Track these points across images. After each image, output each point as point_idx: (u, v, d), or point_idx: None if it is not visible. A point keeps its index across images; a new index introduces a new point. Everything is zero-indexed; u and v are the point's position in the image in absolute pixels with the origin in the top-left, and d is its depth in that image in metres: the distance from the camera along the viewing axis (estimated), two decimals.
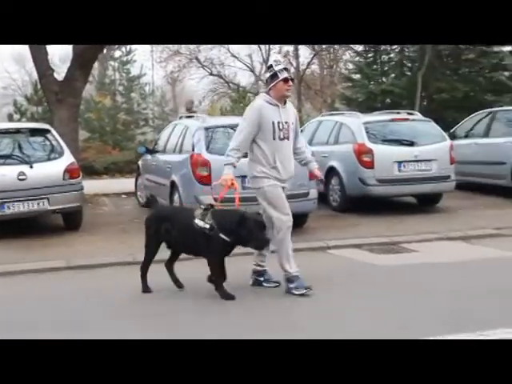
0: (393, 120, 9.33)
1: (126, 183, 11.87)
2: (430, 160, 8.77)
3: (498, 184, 10.12)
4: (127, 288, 5.35)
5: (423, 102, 16.36)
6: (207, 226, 4.81)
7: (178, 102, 38.12)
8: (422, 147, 8.85)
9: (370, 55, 20.26)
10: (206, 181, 7.10)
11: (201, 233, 4.83)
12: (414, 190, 8.91)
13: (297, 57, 24.61)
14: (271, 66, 5.07)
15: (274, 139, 4.98)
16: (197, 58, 25.15)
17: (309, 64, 25.44)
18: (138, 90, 22.54)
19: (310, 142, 9.43)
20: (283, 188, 5.12)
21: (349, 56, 23.08)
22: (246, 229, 4.79)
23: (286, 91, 4.99)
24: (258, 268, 5.29)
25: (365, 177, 8.68)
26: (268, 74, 5.04)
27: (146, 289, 5.23)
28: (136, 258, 6.29)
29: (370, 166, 8.66)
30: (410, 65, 19.69)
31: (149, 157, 9.71)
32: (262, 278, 5.30)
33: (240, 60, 26.55)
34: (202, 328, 4.30)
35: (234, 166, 4.96)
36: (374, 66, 20.28)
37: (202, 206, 5.07)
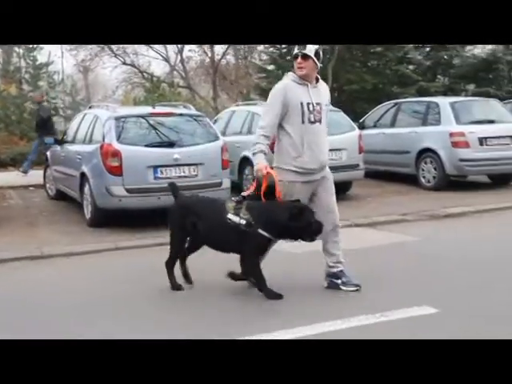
0: None
1: (35, 175, 11.42)
2: (339, 149, 9.01)
3: (403, 172, 10.60)
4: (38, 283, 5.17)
5: (334, 93, 16.78)
6: (243, 222, 4.33)
7: (91, 92, 37.08)
8: (333, 137, 9.06)
9: (283, 46, 20.51)
10: (116, 171, 6.96)
11: (235, 229, 4.36)
12: None
13: (212, 46, 24.51)
14: None
15: (302, 122, 4.43)
16: (109, 47, 24.50)
17: (224, 54, 25.44)
18: (47, 78, 21.65)
19: (224, 133, 9.46)
20: (313, 181, 4.56)
21: (263, 47, 23.26)
22: (297, 220, 4.27)
23: (298, 69, 4.46)
24: (333, 270, 4.72)
25: None
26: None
27: (176, 286, 4.77)
28: (44, 252, 6.10)
29: None
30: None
31: (58, 148, 9.39)
32: (339, 281, 4.70)
33: (154, 49, 26.14)
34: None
35: (265, 154, 4.42)
36: (288, 57, 20.54)
37: (234, 199, 4.56)
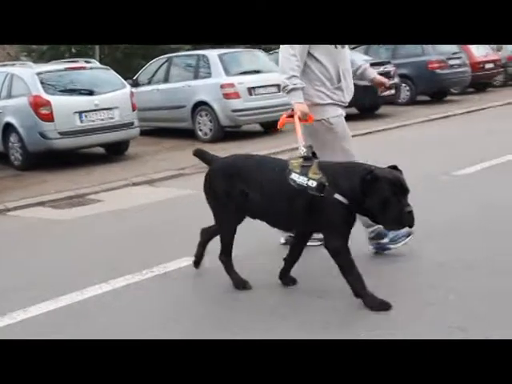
0: (68, 69, 8.96)
1: None
2: (111, 108, 8.70)
3: (180, 127, 10.64)
4: None
5: (105, 50, 16.16)
6: (313, 184, 3.16)
7: None
8: (101, 96, 8.71)
9: None
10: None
11: (301, 194, 3.19)
12: (98, 140, 8.77)
13: None
14: None
15: (336, 47, 3.76)
16: None
17: None
18: None
19: None
20: None
21: None
22: (368, 190, 3.07)
23: None
24: (372, 229, 3.87)
25: (45, 130, 8.25)
26: None
27: (241, 283, 3.63)
28: None
29: (49, 118, 8.24)
30: None
31: None
32: (385, 240, 3.93)
33: None
34: None
35: (302, 90, 3.67)
36: None
37: (301, 153, 3.43)
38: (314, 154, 3.38)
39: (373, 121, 11.35)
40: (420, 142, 8.68)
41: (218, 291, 3.66)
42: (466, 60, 14.13)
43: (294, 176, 3.20)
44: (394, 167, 3.20)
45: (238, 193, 3.38)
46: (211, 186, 3.53)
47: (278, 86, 10.31)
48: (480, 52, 15.27)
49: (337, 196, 3.11)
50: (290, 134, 10.56)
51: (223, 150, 9.01)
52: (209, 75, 10.24)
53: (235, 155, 3.70)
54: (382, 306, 3.12)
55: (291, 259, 3.57)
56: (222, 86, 9.90)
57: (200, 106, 10.16)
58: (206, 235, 3.87)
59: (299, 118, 3.64)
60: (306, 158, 3.30)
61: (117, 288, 3.82)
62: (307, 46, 3.65)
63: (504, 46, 16.73)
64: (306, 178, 3.17)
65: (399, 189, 3.06)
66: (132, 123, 8.98)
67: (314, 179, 3.15)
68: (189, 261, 4.13)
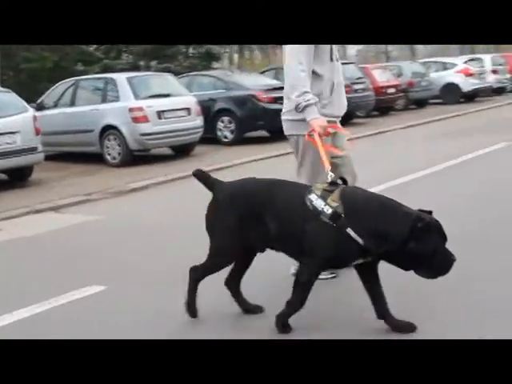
0: None
1: None
2: (13, 132, 8.35)
3: (89, 151, 10.38)
4: None
5: (9, 72, 15.57)
6: (328, 211, 2.91)
7: None
8: (2, 120, 8.34)
9: None
10: None
11: (314, 218, 2.94)
12: None
13: None
14: None
15: (331, 60, 3.65)
16: None
17: None
18: None
19: None
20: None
21: None
22: (420, 240, 2.81)
23: None
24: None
25: None
26: None
27: (190, 310, 3.31)
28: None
29: None
30: None
31: None
32: None
33: None
34: None
35: (316, 105, 3.47)
36: None
37: (329, 178, 3.18)
38: (343, 180, 3.21)
39: (285, 142, 11.52)
40: None
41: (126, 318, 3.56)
42: (370, 85, 14.79)
43: (313, 197, 2.97)
44: (430, 212, 2.96)
45: (252, 219, 3.05)
46: (218, 213, 3.15)
47: (187, 109, 10.38)
48: (382, 77, 16.05)
49: (350, 231, 2.86)
50: (202, 157, 10.62)
51: (132, 174, 8.90)
52: (117, 99, 10.08)
53: (244, 179, 3.33)
54: (284, 330, 3.09)
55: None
56: (130, 110, 9.76)
57: (108, 129, 9.97)
58: (234, 284, 3.40)
59: (319, 135, 3.38)
60: (331, 183, 3.10)
61: (22, 319, 3.65)
62: (312, 59, 3.53)
63: (404, 72, 17.72)
64: (323, 203, 2.94)
65: (444, 238, 2.91)
66: (35, 148, 8.64)
67: (330, 206, 2.92)
68: (94, 289, 4.01)
